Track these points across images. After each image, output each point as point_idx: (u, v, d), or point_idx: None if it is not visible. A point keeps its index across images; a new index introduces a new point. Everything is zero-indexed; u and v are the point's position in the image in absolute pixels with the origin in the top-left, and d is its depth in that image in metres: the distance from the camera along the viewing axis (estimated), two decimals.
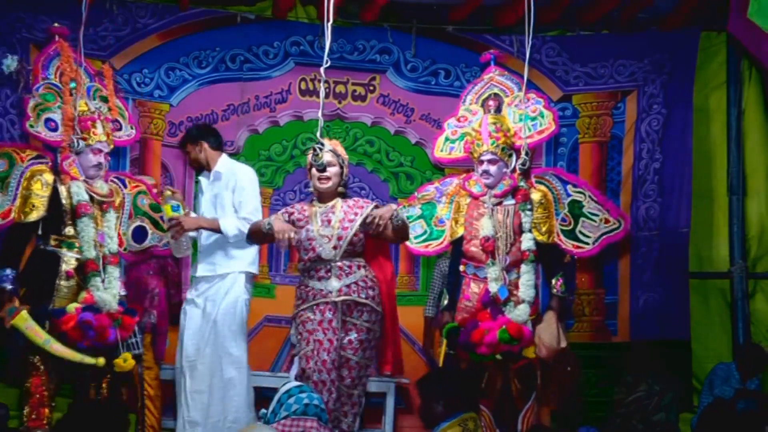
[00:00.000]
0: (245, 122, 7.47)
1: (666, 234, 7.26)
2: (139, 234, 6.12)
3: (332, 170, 5.63)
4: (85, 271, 5.67)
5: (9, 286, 5.60)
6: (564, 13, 7.32)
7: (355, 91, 7.60)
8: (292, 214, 5.68)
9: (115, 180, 6.05)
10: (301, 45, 7.48)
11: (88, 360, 5.53)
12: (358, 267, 5.61)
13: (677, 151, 7.35)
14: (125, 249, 6.04)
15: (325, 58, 5.67)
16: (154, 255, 6.62)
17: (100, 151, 5.81)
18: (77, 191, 5.72)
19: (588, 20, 7.53)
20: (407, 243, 6.39)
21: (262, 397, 6.45)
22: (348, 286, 5.56)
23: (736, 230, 7.36)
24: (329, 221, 5.59)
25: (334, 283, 5.56)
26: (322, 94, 5.94)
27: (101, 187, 5.84)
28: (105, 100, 6.06)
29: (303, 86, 7.52)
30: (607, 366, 7.28)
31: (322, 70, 5.69)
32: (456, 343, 5.90)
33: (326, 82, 7.25)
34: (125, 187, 6.08)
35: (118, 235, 5.96)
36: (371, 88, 7.63)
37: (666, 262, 7.23)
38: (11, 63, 6.41)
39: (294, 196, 7.48)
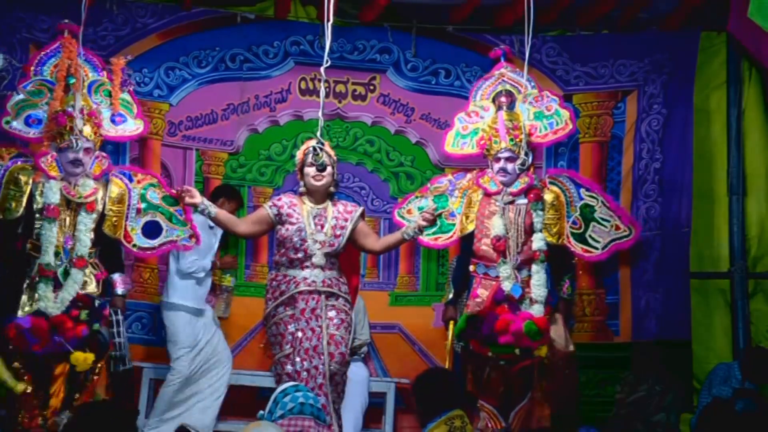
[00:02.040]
0: (245, 122, 7.46)
1: (667, 234, 7.26)
2: (152, 229, 5.94)
3: (327, 170, 5.67)
4: (39, 275, 5.52)
5: None
6: (564, 13, 7.32)
7: (355, 90, 7.59)
8: (281, 207, 5.66)
9: (119, 174, 5.91)
10: (301, 45, 7.48)
11: (10, 383, 5.41)
12: (337, 266, 5.70)
13: (677, 151, 7.35)
14: (134, 246, 5.90)
15: (326, 57, 5.67)
16: None
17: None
18: (48, 192, 5.59)
19: (588, 20, 7.53)
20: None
21: (261, 397, 6.46)
22: (330, 279, 5.62)
23: (736, 230, 7.36)
24: (322, 226, 5.62)
25: (320, 274, 5.60)
26: (322, 93, 5.95)
27: (84, 185, 5.68)
28: (110, 94, 5.96)
29: (303, 86, 7.51)
30: (608, 366, 7.28)
31: (322, 69, 5.69)
32: (472, 333, 5.87)
33: (326, 81, 7.23)
34: (131, 181, 5.93)
35: (125, 231, 5.84)
36: (371, 87, 7.62)
37: (667, 262, 7.23)
38: (1, 62, 6.38)
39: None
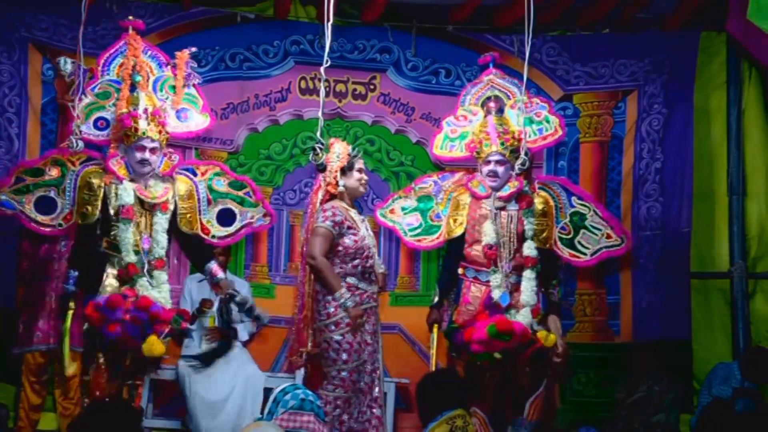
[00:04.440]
0: (245, 121, 7.44)
1: (667, 234, 7.25)
2: (226, 216, 6.01)
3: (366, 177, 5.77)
4: (128, 275, 5.60)
5: (71, 288, 5.67)
6: (564, 13, 7.31)
7: (355, 90, 7.58)
8: (341, 223, 5.62)
9: (183, 171, 5.95)
10: (301, 44, 7.46)
11: (66, 362, 5.65)
12: None
13: (678, 151, 7.35)
14: (212, 236, 5.96)
15: (325, 57, 5.68)
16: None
17: (144, 147, 5.69)
18: (122, 193, 5.64)
19: (588, 20, 7.51)
20: (402, 236, 6.45)
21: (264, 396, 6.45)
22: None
23: (736, 230, 7.35)
24: (366, 229, 5.71)
25: (376, 288, 5.70)
26: (322, 93, 5.95)
27: (155, 186, 5.74)
28: (174, 90, 6.01)
29: (303, 85, 7.50)
30: (608, 366, 7.27)
31: (322, 69, 5.70)
32: (456, 345, 5.93)
33: (326, 80, 7.22)
34: (195, 175, 5.97)
35: (201, 225, 5.89)
36: (372, 87, 7.60)
37: (667, 262, 7.23)
38: (67, 66, 6.41)
39: (294, 196, 7.46)
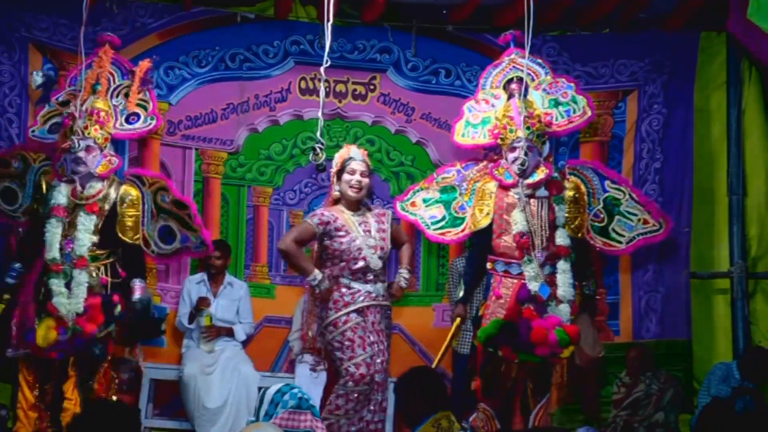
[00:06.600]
0: (245, 121, 7.45)
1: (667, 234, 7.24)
2: (166, 234, 5.94)
3: (365, 180, 5.62)
4: (48, 271, 5.64)
5: (11, 281, 5.80)
6: (564, 13, 7.30)
7: (355, 90, 7.58)
8: (327, 224, 5.55)
9: (132, 178, 5.94)
10: (301, 44, 7.46)
11: None
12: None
13: (678, 151, 7.35)
14: (153, 251, 5.90)
15: (325, 57, 5.67)
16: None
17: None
18: (57, 194, 5.71)
19: (588, 20, 7.51)
20: (425, 229, 6.22)
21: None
22: (385, 291, 5.63)
23: (736, 230, 7.34)
24: (369, 231, 5.59)
25: (381, 288, 5.58)
26: (322, 93, 5.93)
27: (92, 186, 5.76)
28: (128, 95, 6.01)
29: (303, 85, 7.50)
30: (608, 366, 7.26)
31: (322, 69, 5.69)
32: (505, 340, 5.63)
33: (326, 81, 7.21)
34: (143, 184, 5.93)
35: (143, 236, 5.84)
36: (372, 87, 7.60)
37: (667, 262, 7.22)
38: (37, 79, 6.48)
39: (294, 196, 7.47)
